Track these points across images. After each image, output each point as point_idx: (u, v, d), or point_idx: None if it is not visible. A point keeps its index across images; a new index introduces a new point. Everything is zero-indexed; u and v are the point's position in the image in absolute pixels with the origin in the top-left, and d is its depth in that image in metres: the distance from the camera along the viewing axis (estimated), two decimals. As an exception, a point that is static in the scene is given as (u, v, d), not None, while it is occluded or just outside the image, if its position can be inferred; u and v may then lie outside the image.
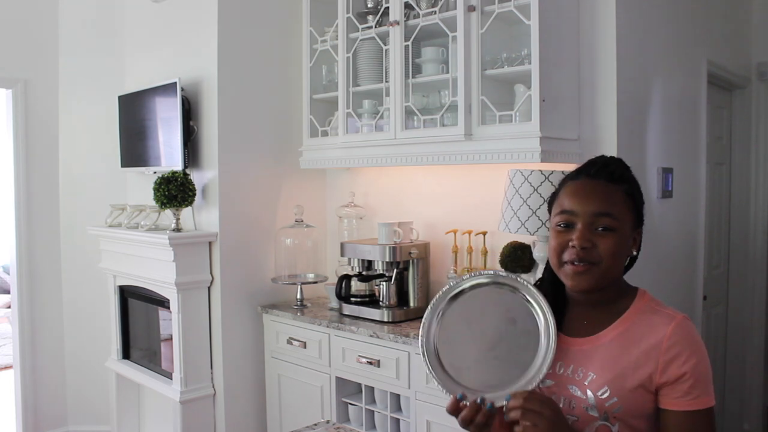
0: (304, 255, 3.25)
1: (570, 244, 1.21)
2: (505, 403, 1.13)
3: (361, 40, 2.94)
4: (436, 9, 2.63)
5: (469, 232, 2.83)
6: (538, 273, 1.39)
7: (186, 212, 3.18)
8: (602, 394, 1.18)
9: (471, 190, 2.89)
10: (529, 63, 2.36)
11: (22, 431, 3.74)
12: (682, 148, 3.01)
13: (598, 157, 1.31)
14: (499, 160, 2.45)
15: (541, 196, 2.16)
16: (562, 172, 2.11)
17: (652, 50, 2.72)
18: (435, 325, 1.30)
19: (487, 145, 2.48)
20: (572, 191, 1.26)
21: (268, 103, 3.26)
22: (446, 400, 1.21)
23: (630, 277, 1.32)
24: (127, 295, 3.58)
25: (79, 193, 3.82)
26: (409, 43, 2.72)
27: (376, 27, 2.87)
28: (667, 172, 2.82)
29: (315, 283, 3.26)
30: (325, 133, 3.19)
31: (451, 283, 1.33)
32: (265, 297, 3.26)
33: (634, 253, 1.28)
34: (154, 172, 3.31)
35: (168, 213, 3.12)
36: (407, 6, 2.74)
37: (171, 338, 3.15)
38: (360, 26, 2.92)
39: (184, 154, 3.14)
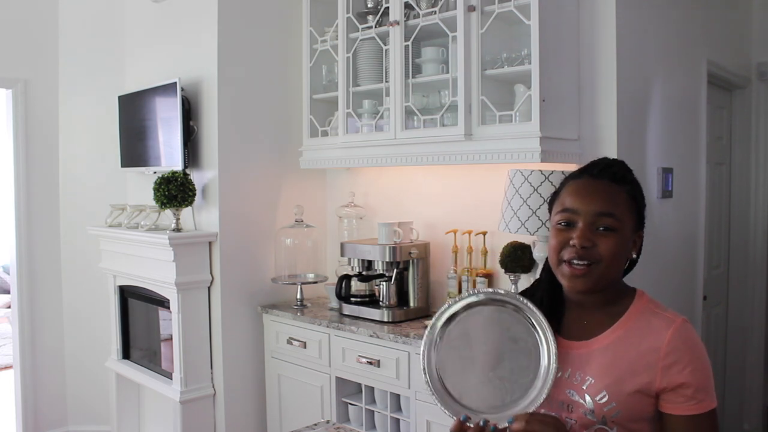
0: (304, 255, 3.25)
1: (570, 242, 1.20)
2: (507, 425, 1.12)
3: (361, 40, 2.94)
4: (436, 9, 2.63)
5: (469, 232, 2.83)
6: (537, 273, 1.39)
7: (186, 212, 3.18)
8: (600, 399, 1.18)
9: (471, 190, 2.89)
10: (529, 63, 2.36)
11: (22, 431, 3.74)
12: (682, 148, 3.01)
13: (601, 159, 1.30)
14: (499, 160, 2.45)
15: (541, 196, 2.16)
16: (562, 172, 2.11)
17: (652, 50, 2.72)
18: (435, 348, 1.28)
19: (487, 145, 2.48)
20: (574, 190, 1.25)
21: (268, 103, 3.26)
22: (447, 416, 1.21)
23: (630, 278, 1.31)
24: (127, 295, 3.58)
25: (79, 193, 3.82)
26: (409, 43, 2.72)
27: (376, 27, 2.87)
28: (667, 172, 2.82)
29: (315, 283, 3.26)
30: (325, 133, 3.19)
31: (448, 302, 1.32)
32: (265, 297, 3.26)
33: (634, 255, 1.27)
34: (154, 172, 3.31)
35: (168, 213, 3.12)
36: (407, 6, 2.74)
37: (171, 338, 3.15)
38: (360, 26, 2.92)
39: (184, 154, 3.14)
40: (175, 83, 3.07)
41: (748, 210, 3.81)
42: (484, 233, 2.79)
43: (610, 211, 1.20)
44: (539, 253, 2.35)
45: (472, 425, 1.16)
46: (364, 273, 2.96)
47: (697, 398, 1.15)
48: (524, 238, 2.49)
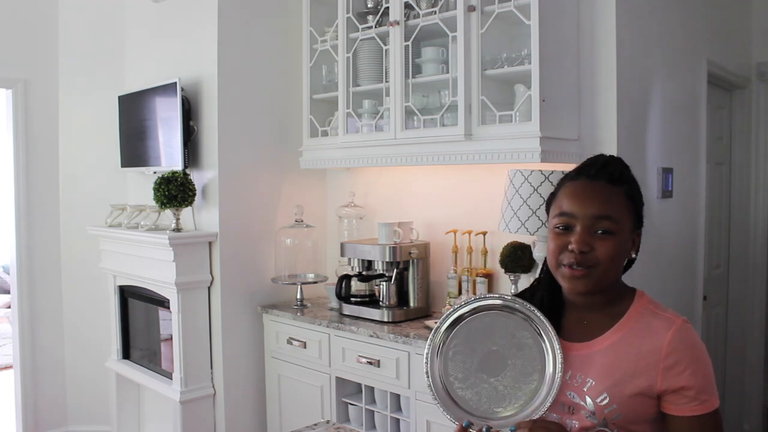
0: (304, 255, 3.25)
1: (569, 247, 1.20)
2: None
3: (361, 40, 2.94)
4: (436, 9, 2.63)
5: (469, 232, 2.83)
6: (537, 273, 1.38)
7: (186, 212, 3.18)
8: (601, 401, 1.18)
9: (471, 190, 2.89)
10: (529, 63, 2.36)
11: (22, 431, 3.74)
12: (682, 148, 3.01)
13: (598, 157, 1.28)
14: (499, 160, 2.45)
15: (541, 197, 2.16)
16: (562, 172, 2.10)
17: (652, 50, 2.72)
18: (439, 351, 1.28)
19: (487, 145, 2.48)
20: (571, 192, 1.24)
21: (268, 103, 3.26)
22: (449, 425, 1.22)
23: (630, 278, 1.31)
24: (127, 295, 3.58)
25: (79, 193, 3.82)
26: (409, 43, 2.72)
27: (376, 27, 2.87)
28: (667, 172, 2.82)
29: (315, 283, 3.26)
30: (325, 133, 3.19)
31: (456, 306, 1.30)
32: (265, 297, 3.26)
33: (633, 255, 1.27)
34: (154, 172, 3.31)
35: (168, 213, 3.12)
36: (407, 6, 2.74)
37: (171, 338, 3.15)
38: (360, 26, 2.92)
39: (184, 154, 3.13)
40: (175, 83, 3.07)
41: (748, 210, 3.81)
42: (484, 233, 2.79)
43: (607, 213, 1.19)
44: (539, 253, 2.35)
45: (474, 431, 1.15)
46: (364, 273, 2.96)
47: (700, 399, 1.14)
48: (524, 238, 2.49)
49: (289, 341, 3.02)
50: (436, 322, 1.33)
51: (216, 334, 3.13)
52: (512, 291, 2.54)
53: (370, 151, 2.91)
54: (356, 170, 3.37)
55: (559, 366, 1.19)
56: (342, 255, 3.03)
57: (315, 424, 1.65)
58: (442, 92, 2.73)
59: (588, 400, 1.19)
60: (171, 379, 3.15)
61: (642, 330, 1.19)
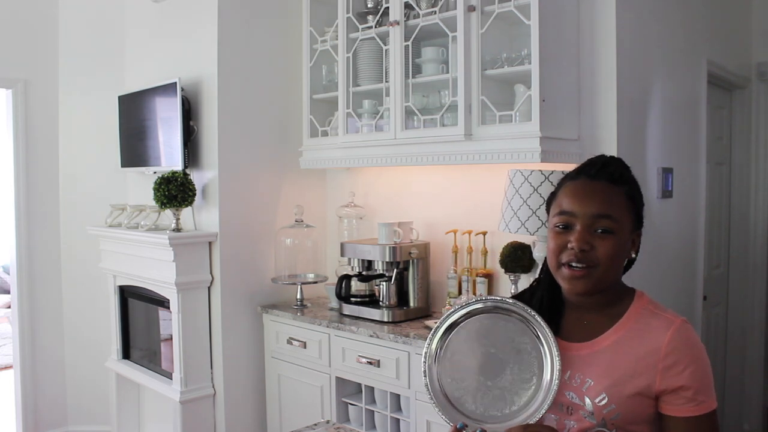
0: (304, 255, 3.25)
1: (569, 245, 1.20)
2: None
3: (361, 40, 2.94)
4: (436, 9, 2.63)
5: (469, 232, 2.83)
6: (537, 273, 1.38)
7: (186, 212, 3.18)
8: (600, 401, 1.17)
9: (471, 190, 2.89)
10: (529, 63, 2.36)
11: (22, 431, 3.74)
12: (682, 148, 3.01)
13: (598, 157, 1.28)
14: (499, 160, 2.45)
15: (541, 196, 2.16)
16: (562, 172, 2.10)
17: (652, 50, 2.72)
18: (438, 352, 1.27)
19: (487, 145, 2.48)
20: (571, 192, 1.24)
21: (268, 103, 3.26)
22: (445, 425, 1.21)
23: (630, 278, 1.31)
24: (127, 295, 3.58)
25: (79, 193, 3.82)
26: (409, 43, 2.72)
27: (376, 27, 2.87)
28: (667, 172, 2.82)
29: (315, 283, 3.26)
30: (325, 133, 3.19)
31: (456, 306, 1.30)
32: (265, 297, 3.26)
33: (633, 255, 1.27)
34: (154, 172, 3.31)
35: (168, 213, 3.12)
36: (407, 6, 2.73)
37: (171, 338, 3.15)
38: (360, 26, 2.92)
39: (184, 154, 3.13)
40: (175, 83, 3.07)
41: (748, 210, 3.81)
42: (484, 233, 2.79)
43: (607, 212, 1.19)
44: (539, 253, 2.35)
45: None
46: (364, 273, 2.96)
47: (698, 400, 1.14)
48: (524, 238, 2.49)
49: (289, 341, 3.02)
50: (436, 322, 1.33)
51: (216, 334, 3.13)
52: (512, 291, 2.54)
53: (370, 151, 2.91)
54: (356, 170, 3.37)
55: (556, 373, 1.18)
56: (342, 255, 3.03)
57: (315, 424, 1.65)
58: (442, 92, 2.73)
59: (587, 400, 1.19)
60: (171, 379, 3.15)
61: (641, 330, 1.19)
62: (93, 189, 3.80)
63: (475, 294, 2.73)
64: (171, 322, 3.12)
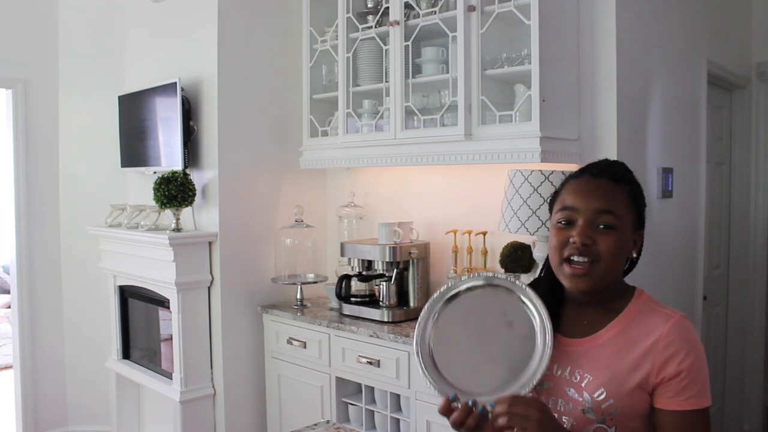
0: (304, 255, 3.25)
1: (571, 240, 1.21)
2: (491, 409, 1.12)
3: (361, 40, 2.94)
4: (436, 9, 2.63)
5: (469, 232, 2.83)
6: (537, 273, 1.39)
7: (186, 212, 3.18)
8: (599, 396, 1.18)
9: (471, 190, 2.89)
10: (529, 63, 2.36)
11: (22, 431, 3.74)
12: (682, 148, 3.01)
13: (602, 160, 1.31)
14: (499, 160, 2.45)
15: (541, 196, 2.16)
16: (562, 173, 2.12)
17: (652, 50, 2.72)
18: (430, 326, 1.29)
19: (487, 145, 2.48)
20: (574, 188, 1.25)
21: (268, 103, 3.26)
22: (436, 394, 1.21)
23: (630, 278, 1.32)
24: (127, 295, 3.58)
25: (79, 193, 3.82)
26: (409, 43, 2.72)
27: (376, 27, 2.87)
28: (667, 172, 2.82)
29: (315, 283, 3.26)
30: (325, 133, 3.19)
31: (450, 284, 1.32)
32: (265, 297, 3.26)
33: (634, 255, 1.27)
34: (154, 172, 3.31)
35: (168, 213, 3.12)
36: (407, 6, 2.74)
37: (171, 338, 3.15)
38: (360, 26, 2.92)
39: (184, 154, 3.14)
40: (175, 83, 3.07)
41: (748, 210, 3.81)
42: (484, 233, 2.79)
43: (609, 208, 1.21)
44: (539, 253, 2.35)
45: (460, 405, 1.15)
46: (364, 273, 2.96)
47: (689, 393, 1.14)
48: (524, 238, 2.49)
49: (289, 341, 3.02)
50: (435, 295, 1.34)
51: (216, 334, 3.13)
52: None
53: (370, 151, 2.91)
54: (356, 170, 3.37)
55: (549, 344, 1.18)
56: (342, 255, 3.03)
57: (315, 424, 1.65)
58: (442, 92, 2.73)
59: (586, 395, 1.19)
60: (171, 379, 3.15)
61: (641, 325, 1.20)
62: (93, 189, 3.80)
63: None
64: (171, 322, 3.12)
